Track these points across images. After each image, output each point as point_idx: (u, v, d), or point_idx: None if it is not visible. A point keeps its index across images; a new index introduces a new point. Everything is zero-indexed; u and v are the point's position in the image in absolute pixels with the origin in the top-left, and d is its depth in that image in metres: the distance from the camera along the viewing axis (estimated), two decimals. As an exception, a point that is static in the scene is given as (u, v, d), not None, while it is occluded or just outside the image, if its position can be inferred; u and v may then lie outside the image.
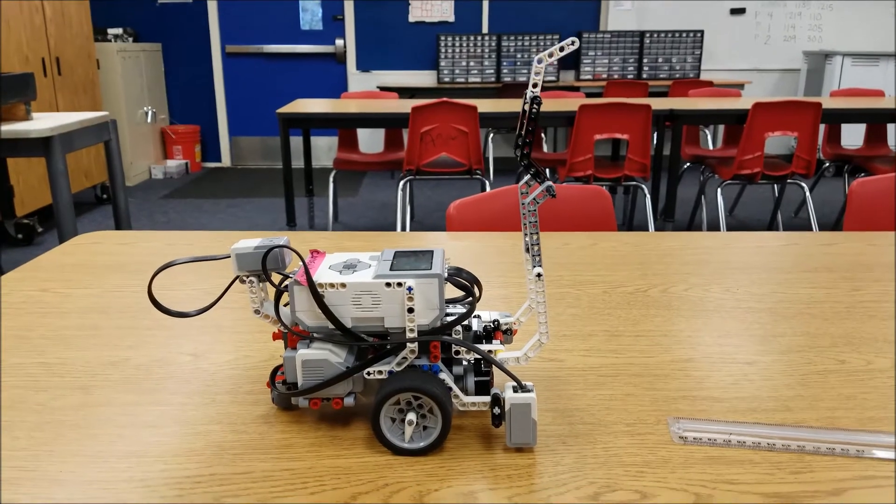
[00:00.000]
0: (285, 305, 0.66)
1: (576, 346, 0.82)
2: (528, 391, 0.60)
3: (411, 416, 0.60)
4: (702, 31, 6.18)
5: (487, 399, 0.62)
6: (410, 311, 0.60)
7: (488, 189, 1.54)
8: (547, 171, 4.66)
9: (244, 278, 0.64)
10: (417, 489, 0.55)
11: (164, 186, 5.90)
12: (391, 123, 3.78)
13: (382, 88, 6.16)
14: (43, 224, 4.62)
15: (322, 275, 0.62)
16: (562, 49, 0.54)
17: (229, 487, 0.55)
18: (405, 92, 6.14)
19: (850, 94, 4.68)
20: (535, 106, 0.56)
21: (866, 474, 0.57)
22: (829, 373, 0.75)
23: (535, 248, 0.61)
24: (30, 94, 2.94)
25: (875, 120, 3.85)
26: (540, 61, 0.54)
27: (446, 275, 0.65)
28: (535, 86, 0.55)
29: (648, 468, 0.58)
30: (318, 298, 0.60)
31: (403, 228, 4.02)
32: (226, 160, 6.82)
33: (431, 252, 0.66)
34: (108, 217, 4.88)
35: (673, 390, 0.71)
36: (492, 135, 6.06)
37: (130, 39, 6.17)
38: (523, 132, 0.57)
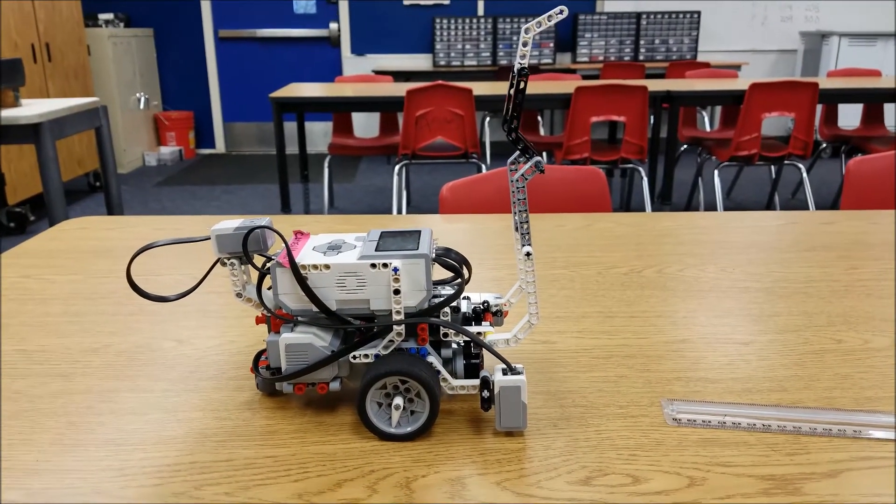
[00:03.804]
0: (268, 289, 0.64)
1: (569, 328, 0.80)
2: (518, 374, 0.58)
3: (398, 401, 0.58)
4: (699, 12, 6.13)
5: (476, 382, 0.60)
6: (397, 292, 0.58)
7: (488, 172, 1.52)
8: (544, 154, 4.63)
9: (225, 261, 0.62)
10: (404, 475, 0.54)
11: (158, 173, 5.86)
12: (386, 107, 3.75)
13: (377, 72, 6.11)
14: (35, 212, 4.59)
15: (305, 256, 0.60)
16: (549, 18, 0.52)
17: (210, 475, 0.54)
18: (400, 75, 6.10)
19: (846, 74, 4.65)
20: (522, 79, 0.54)
21: (863, 455, 0.55)
22: (825, 352, 0.74)
23: (525, 226, 0.59)
24: (18, 80, 2.90)
25: (872, 100, 3.82)
26: (527, 31, 0.52)
27: (434, 255, 0.63)
28: (522, 58, 0.53)
29: (641, 451, 0.57)
30: (301, 281, 0.58)
31: (399, 213, 4.00)
32: (220, 146, 6.78)
33: (419, 232, 0.64)
34: (100, 205, 4.85)
35: (667, 371, 0.70)
36: (488, 118, 6.03)
37: (122, 25, 6.11)
38: (511, 106, 0.55)
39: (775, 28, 6.42)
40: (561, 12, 0.51)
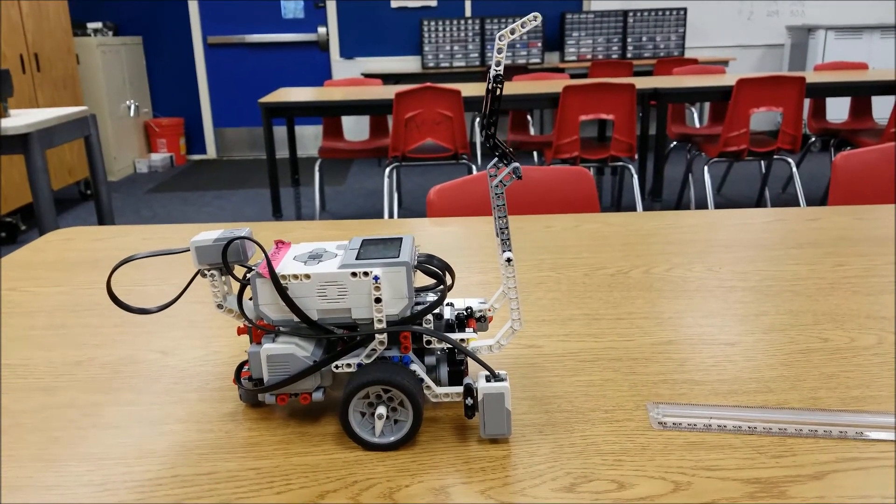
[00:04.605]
0: (250, 299, 0.64)
1: (555, 332, 0.80)
2: (502, 380, 0.58)
3: (381, 410, 0.58)
4: (685, 9, 6.14)
5: (460, 389, 0.60)
6: (378, 301, 0.58)
7: (475, 174, 1.52)
8: (534, 153, 4.63)
9: (205, 272, 0.62)
10: (388, 485, 0.54)
11: (150, 180, 5.84)
12: (375, 110, 3.75)
13: (367, 75, 6.11)
14: (26, 222, 4.57)
15: (286, 266, 0.60)
16: (523, 25, 0.51)
17: (192, 489, 0.53)
18: (390, 78, 6.09)
19: (834, 67, 4.66)
20: (498, 85, 0.53)
21: (849, 456, 0.55)
22: (811, 351, 0.74)
23: (505, 232, 0.59)
24: (6, 91, 2.89)
25: (859, 93, 3.83)
26: (502, 38, 0.52)
27: (416, 262, 0.63)
28: (497, 64, 0.53)
29: (626, 456, 0.56)
30: (282, 291, 0.58)
31: (391, 216, 3.99)
32: (211, 152, 6.77)
33: (400, 239, 0.64)
34: (91, 213, 4.84)
35: (653, 374, 0.70)
36: (477, 119, 6.03)
37: (110, 33, 6.10)
38: (488, 112, 0.55)
39: (762, 23, 6.44)
40: (535, 18, 0.51)
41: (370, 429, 0.59)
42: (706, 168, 3.82)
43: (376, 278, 0.57)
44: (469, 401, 0.59)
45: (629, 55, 6.24)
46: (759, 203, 4.42)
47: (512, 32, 0.52)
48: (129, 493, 0.53)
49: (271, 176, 3.88)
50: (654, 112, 5.97)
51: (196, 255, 0.61)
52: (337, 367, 0.60)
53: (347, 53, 6.50)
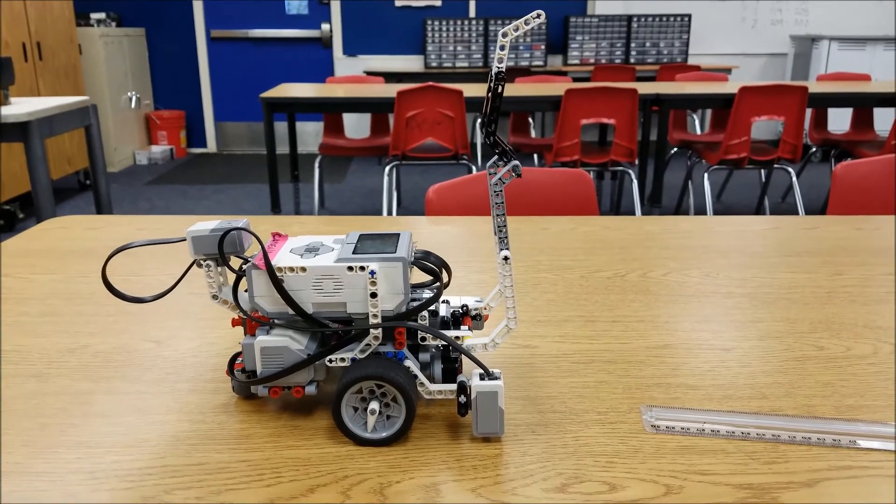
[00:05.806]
0: (245, 291, 0.63)
1: (550, 333, 0.80)
2: (496, 379, 0.58)
3: (374, 405, 0.57)
4: (689, 16, 6.14)
5: (454, 387, 0.60)
6: (374, 295, 0.58)
7: (474, 173, 1.51)
8: (535, 156, 4.63)
9: (201, 262, 0.62)
10: (378, 481, 0.53)
11: (149, 172, 5.84)
12: (377, 108, 3.74)
13: (369, 73, 6.10)
14: (24, 210, 4.56)
15: (282, 258, 0.60)
16: (526, 22, 0.51)
17: (181, 479, 0.53)
18: (392, 77, 6.09)
19: (836, 78, 4.66)
20: (500, 83, 0.53)
21: (842, 464, 0.55)
22: (807, 359, 0.73)
23: (503, 230, 0.58)
24: (7, 79, 2.88)
25: (861, 104, 3.84)
26: (504, 35, 0.52)
27: (412, 258, 0.63)
28: (500, 61, 0.53)
29: (618, 458, 0.56)
30: (277, 283, 0.58)
31: (389, 214, 3.99)
32: (211, 146, 6.76)
33: (397, 235, 0.63)
34: (90, 203, 4.83)
35: (647, 377, 0.70)
36: (478, 120, 6.02)
37: (114, 24, 6.08)
38: (489, 110, 0.54)
39: (765, 31, 6.44)
40: (538, 16, 0.51)
41: (362, 424, 0.58)
42: (706, 175, 3.82)
43: (372, 273, 0.57)
44: (462, 398, 0.59)
45: (632, 60, 6.24)
46: (759, 211, 4.42)
47: (515, 30, 0.52)
48: (119, 482, 0.53)
49: (271, 171, 3.88)
50: (655, 118, 5.97)
51: (192, 245, 0.60)
52: (331, 361, 0.60)
53: (350, 51, 6.50)
